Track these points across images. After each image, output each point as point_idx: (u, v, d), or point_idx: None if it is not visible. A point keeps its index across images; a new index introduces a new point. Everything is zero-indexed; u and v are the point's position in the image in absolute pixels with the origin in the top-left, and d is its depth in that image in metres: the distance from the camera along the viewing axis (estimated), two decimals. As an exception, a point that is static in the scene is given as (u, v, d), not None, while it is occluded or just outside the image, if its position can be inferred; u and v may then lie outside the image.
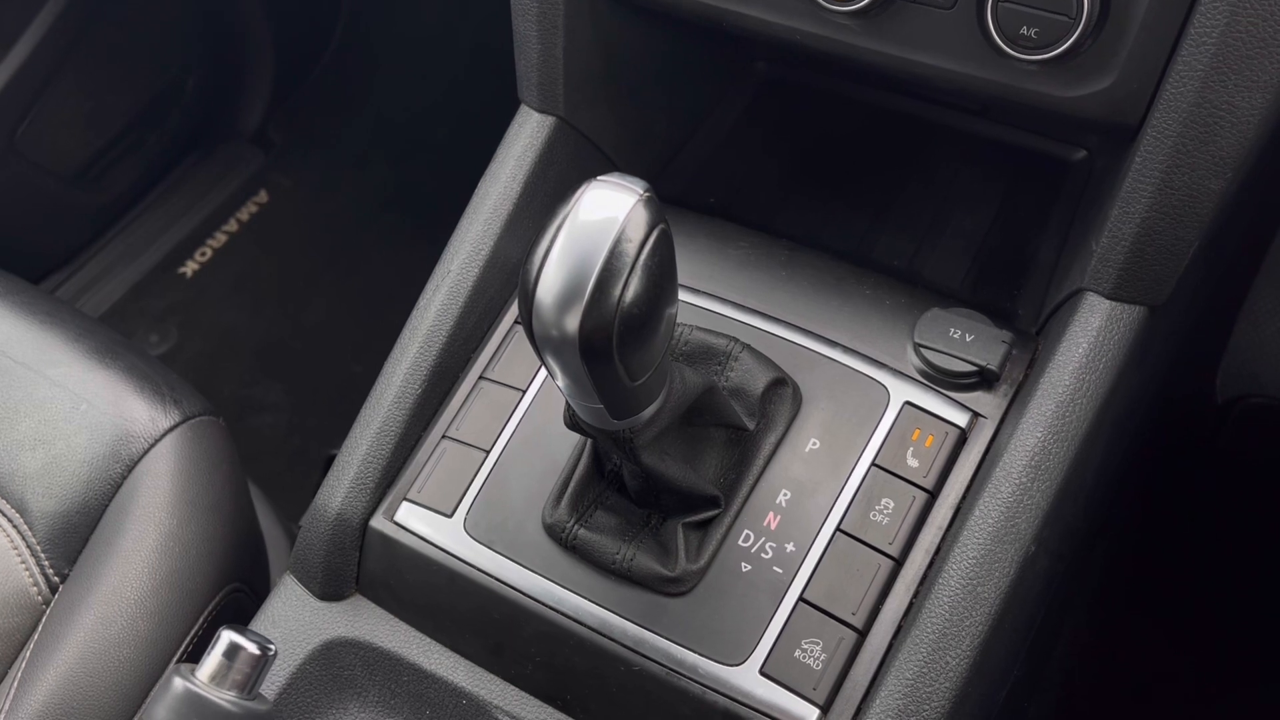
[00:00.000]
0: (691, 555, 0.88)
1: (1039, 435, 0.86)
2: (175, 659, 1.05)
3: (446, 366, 1.02)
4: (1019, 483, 0.85)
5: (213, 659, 0.78)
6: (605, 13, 1.05)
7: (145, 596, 1.04)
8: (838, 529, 0.88)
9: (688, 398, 0.82)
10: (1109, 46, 0.84)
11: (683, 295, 0.99)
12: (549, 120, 1.07)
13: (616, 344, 0.67)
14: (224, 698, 0.77)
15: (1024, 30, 0.85)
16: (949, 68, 0.91)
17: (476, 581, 0.93)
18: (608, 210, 0.66)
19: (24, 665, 1.02)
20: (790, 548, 0.88)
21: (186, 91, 2.26)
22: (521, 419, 0.97)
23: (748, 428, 0.90)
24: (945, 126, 1.24)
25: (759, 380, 0.91)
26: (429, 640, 0.96)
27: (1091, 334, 0.88)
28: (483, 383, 1.00)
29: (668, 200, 1.01)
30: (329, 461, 1.02)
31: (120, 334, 1.29)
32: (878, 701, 0.82)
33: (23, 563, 1.08)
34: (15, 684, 1.01)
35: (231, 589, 1.11)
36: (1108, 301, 0.88)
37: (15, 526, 1.10)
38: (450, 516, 0.95)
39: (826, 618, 0.85)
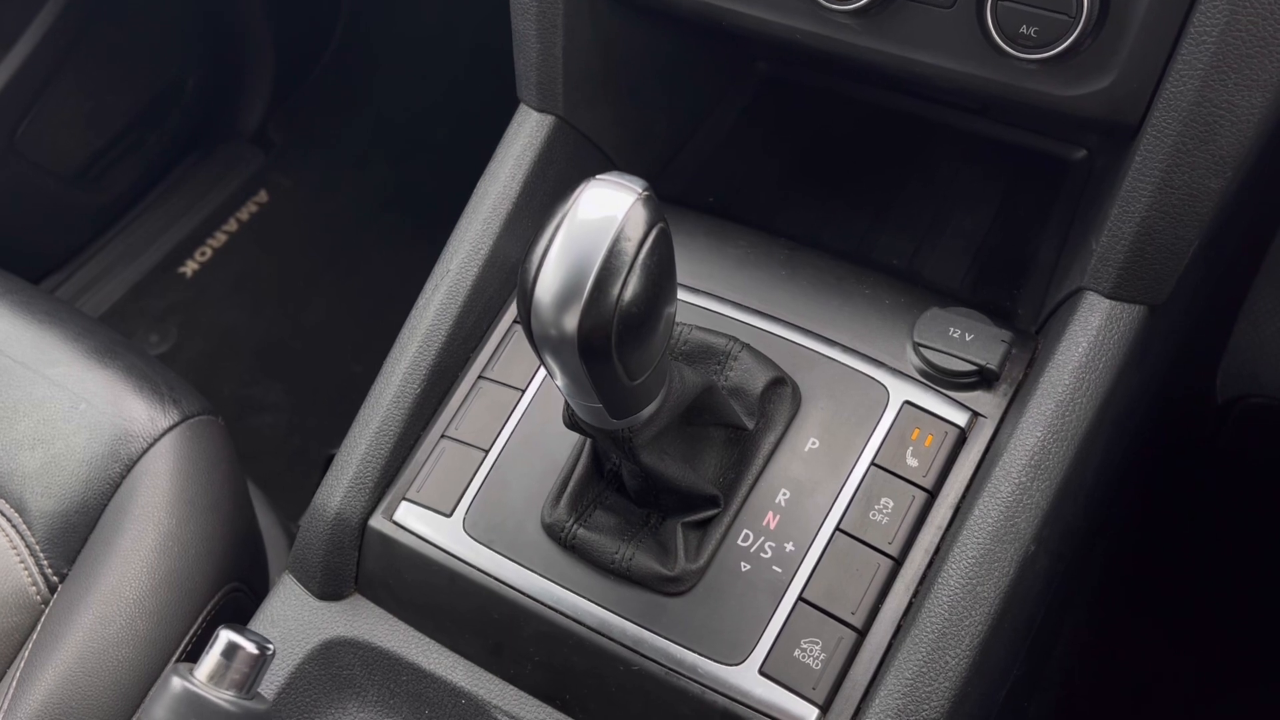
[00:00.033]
0: (691, 555, 0.87)
1: (1039, 435, 0.86)
2: (174, 658, 1.05)
3: (445, 366, 1.02)
4: (1019, 482, 0.85)
5: (211, 658, 0.78)
6: (604, 12, 1.05)
7: (144, 596, 1.04)
8: (837, 528, 0.88)
9: (687, 397, 0.82)
10: (1109, 45, 0.84)
11: (682, 294, 0.99)
12: (548, 119, 1.07)
13: (615, 343, 0.67)
14: (222, 697, 0.76)
15: (1024, 29, 0.85)
16: (949, 67, 0.91)
17: (475, 581, 0.93)
18: (606, 209, 0.66)
19: (22, 665, 1.02)
20: (790, 547, 0.88)
21: (186, 91, 2.26)
22: (521, 418, 0.97)
23: (747, 427, 0.90)
24: (945, 126, 1.24)
25: (758, 380, 0.91)
26: (428, 640, 0.96)
27: (1091, 333, 0.88)
28: (482, 382, 1.00)
29: (667, 200, 1.01)
30: (328, 461, 1.02)
31: (120, 334, 1.29)
32: (877, 701, 0.82)
33: (21, 562, 1.08)
34: (14, 683, 1.01)
35: (230, 588, 1.11)
36: (1108, 301, 0.88)
37: (14, 526, 1.10)
38: (449, 516, 0.95)
39: (826, 617, 0.85)
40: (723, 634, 0.86)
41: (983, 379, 0.92)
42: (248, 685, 0.78)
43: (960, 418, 0.91)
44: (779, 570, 0.87)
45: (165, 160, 2.30)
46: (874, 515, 0.88)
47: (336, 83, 2.50)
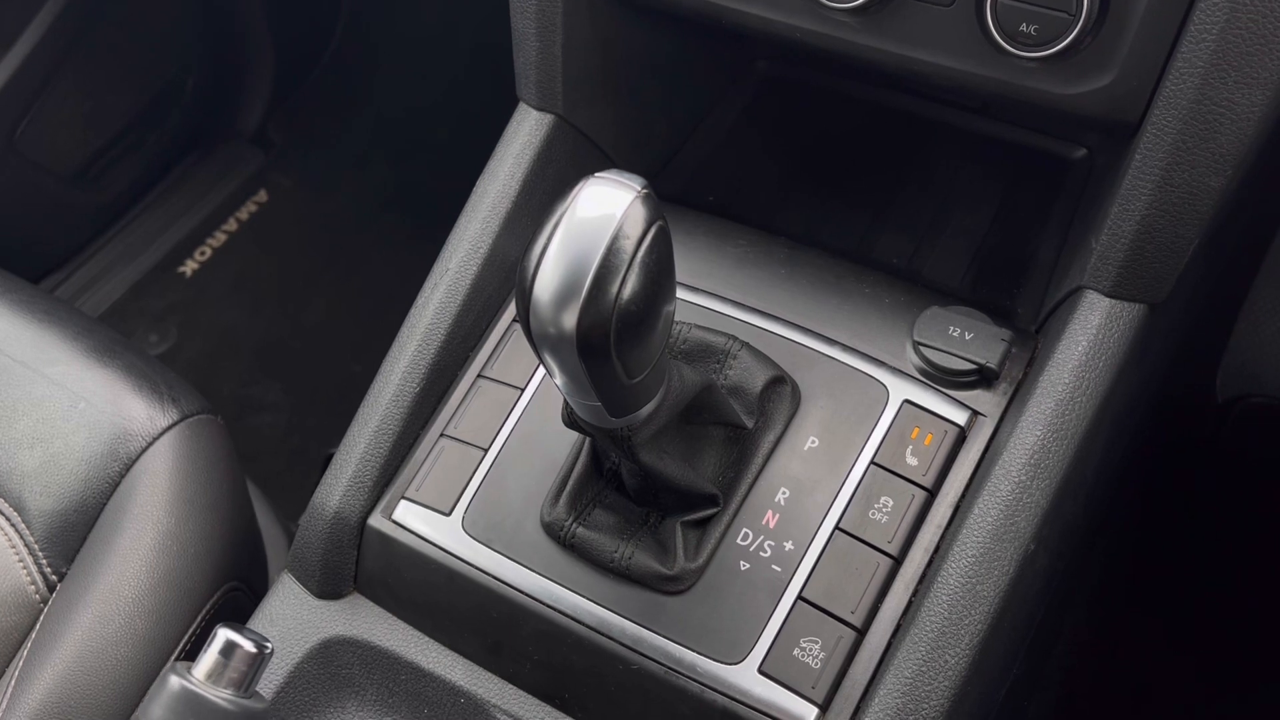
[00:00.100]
0: (690, 554, 0.87)
1: (1038, 433, 0.86)
2: (173, 658, 1.05)
3: (445, 364, 1.01)
4: (1018, 481, 0.85)
5: (209, 657, 0.77)
6: (604, 10, 1.05)
7: (143, 595, 1.04)
8: (836, 527, 0.88)
9: (686, 396, 0.82)
10: (1108, 43, 0.84)
11: (681, 293, 0.99)
12: (547, 118, 1.07)
13: (614, 341, 0.67)
14: (221, 696, 0.76)
15: (1023, 27, 0.85)
16: (948, 65, 0.91)
17: (475, 580, 0.92)
18: (605, 207, 0.66)
19: (21, 664, 1.02)
20: (789, 546, 0.87)
21: (186, 91, 2.26)
22: (520, 417, 0.97)
23: (746, 426, 0.90)
24: (945, 124, 1.24)
25: (758, 378, 0.91)
26: (427, 639, 0.96)
27: (1091, 332, 0.88)
28: (481, 381, 1.00)
29: (667, 198, 1.01)
30: (327, 460, 1.02)
31: (120, 333, 1.29)
32: (877, 700, 0.82)
33: (20, 561, 1.08)
34: (13, 682, 1.00)
35: (229, 588, 1.11)
36: (1107, 299, 0.88)
37: (13, 525, 1.09)
38: (448, 515, 0.95)
39: (825, 616, 0.85)
40: (722, 633, 0.86)
41: (982, 378, 0.92)
42: (246, 684, 0.78)
43: (960, 416, 0.91)
44: (778, 569, 0.87)
45: (165, 160, 2.30)
46: (873, 514, 0.88)
47: (336, 83, 2.50)
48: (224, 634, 0.78)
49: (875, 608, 0.85)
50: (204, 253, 2.28)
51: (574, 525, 0.89)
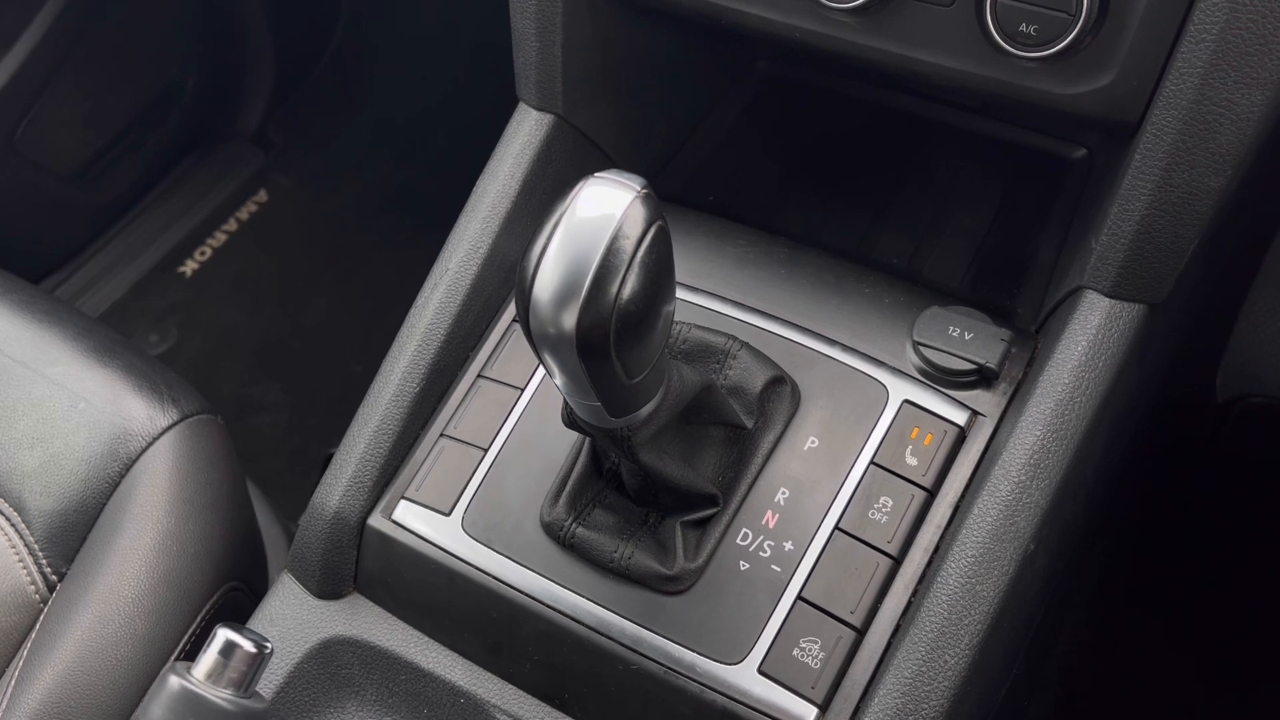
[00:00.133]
0: (690, 554, 0.87)
1: (1038, 433, 0.86)
2: (173, 658, 1.05)
3: (444, 364, 1.01)
4: (1018, 481, 0.85)
5: (209, 657, 0.77)
6: (604, 10, 1.05)
7: (143, 595, 1.04)
8: (836, 527, 0.88)
9: (686, 396, 0.82)
10: (1108, 43, 0.84)
11: (681, 293, 0.99)
12: (547, 118, 1.07)
13: (614, 341, 0.67)
14: (220, 696, 0.76)
15: (1023, 27, 0.85)
16: (948, 65, 0.91)
17: (474, 580, 0.92)
18: (605, 207, 0.66)
19: (21, 664, 1.02)
20: (789, 546, 0.87)
21: (186, 91, 2.26)
22: (520, 417, 0.97)
23: (746, 426, 0.90)
24: (945, 124, 1.24)
25: (757, 378, 0.91)
26: (427, 639, 0.96)
27: (1091, 332, 0.88)
28: (481, 381, 1.00)
29: (667, 198, 1.01)
30: (327, 460, 1.02)
31: (120, 333, 1.29)
32: (876, 700, 0.82)
33: (20, 561, 1.08)
34: (13, 682, 1.01)
35: (229, 588, 1.11)
36: (1107, 299, 0.88)
37: (13, 525, 1.09)
38: (448, 515, 0.95)
39: (825, 616, 0.85)
40: (722, 633, 0.86)
41: (982, 378, 0.92)
42: (246, 684, 0.78)
43: (960, 416, 0.91)
44: (778, 569, 0.87)
45: (165, 160, 2.30)
46: (873, 514, 0.87)
47: (336, 83, 2.50)
48: (224, 634, 0.78)
49: (875, 608, 0.85)
50: (204, 253, 2.28)
51: (574, 525, 0.89)
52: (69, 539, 1.09)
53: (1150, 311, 0.88)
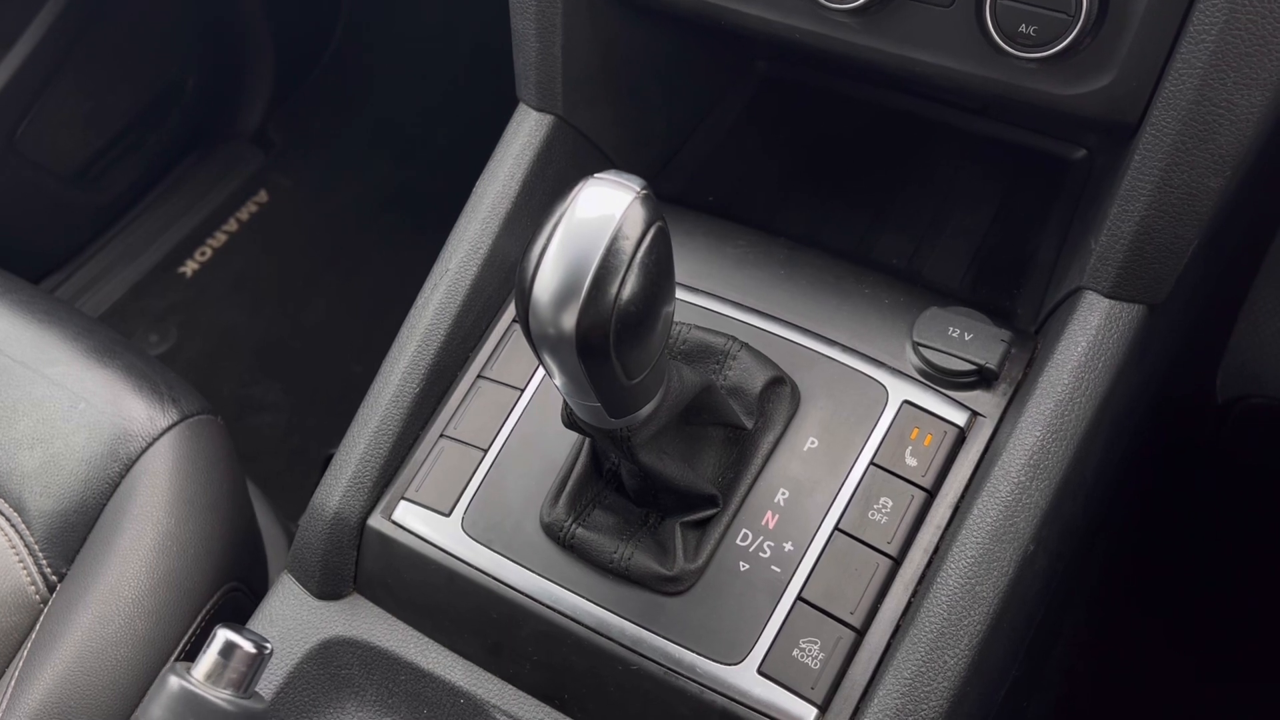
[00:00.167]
0: (689, 554, 0.87)
1: (1038, 434, 0.86)
2: (173, 658, 1.05)
3: (444, 365, 1.01)
4: (1018, 482, 0.85)
5: (208, 657, 0.77)
6: (604, 11, 1.05)
7: (143, 595, 1.04)
8: (836, 528, 0.88)
9: (685, 396, 0.82)
10: (1108, 44, 0.84)
11: (681, 294, 0.99)
12: (547, 119, 1.07)
13: (613, 342, 0.67)
14: (220, 696, 0.76)
15: (1023, 28, 0.85)
16: (948, 65, 0.91)
17: (474, 581, 0.92)
18: (604, 208, 0.66)
19: (21, 664, 1.02)
20: (788, 547, 0.87)
21: (186, 91, 2.26)
22: (520, 418, 0.97)
23: (746, 426, 0.90)
24: (945, 125, 1.24)
25: (757, 379, 0.91)
26: (427, 639, 0.96)
27: (1090, 333, 0.88)
28: (481, 381, 1.00)
29: (667, 199, 1.01)
30: (327, 460, 1.02)
31: (120, 334, 1.29)
32: (876, 701, 0.82)
33: (20, 562, 1.08)
34: (13, 683, 1.01)
35: (229, 588, 1.11)
36: (1107, 300, 0.88)
37: (13, 525, 1.10)
38: (448, 515, 0.95)
39: (825, 617, 0.85)
40: (721, 633, 0.86)
41: (982, 378, 0.92)
42: (245, 684, 0.78)
43: (959, 417, 0.91)
44: (778, 570, 0.87)
45: (165, 160, 2.30)
46: (873, 515, 0.88)
47: (336, 83, 2.50)
48: (223, 634, 0.78)
49: (874, 608, 0.85)
50: (204, 253, 2.28)
51: (573, 526, 0.89)
52: (69, 539, 1.09)
53: (1150, 312, 0.88)
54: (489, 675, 0.94)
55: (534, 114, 1.07)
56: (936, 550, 0.87)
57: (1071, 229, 1.09)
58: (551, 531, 0.90)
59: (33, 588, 1.08)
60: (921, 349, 0.93)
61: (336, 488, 0.98)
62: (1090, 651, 1.58)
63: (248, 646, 0.78)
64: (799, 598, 0.86)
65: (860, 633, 0.84)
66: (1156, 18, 0.81)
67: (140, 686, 1.02)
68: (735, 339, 0.92)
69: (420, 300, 1.04)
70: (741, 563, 0.88)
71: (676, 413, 0.81)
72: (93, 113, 2.09)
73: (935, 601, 0.83)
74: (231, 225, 2.32)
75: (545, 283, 0.66)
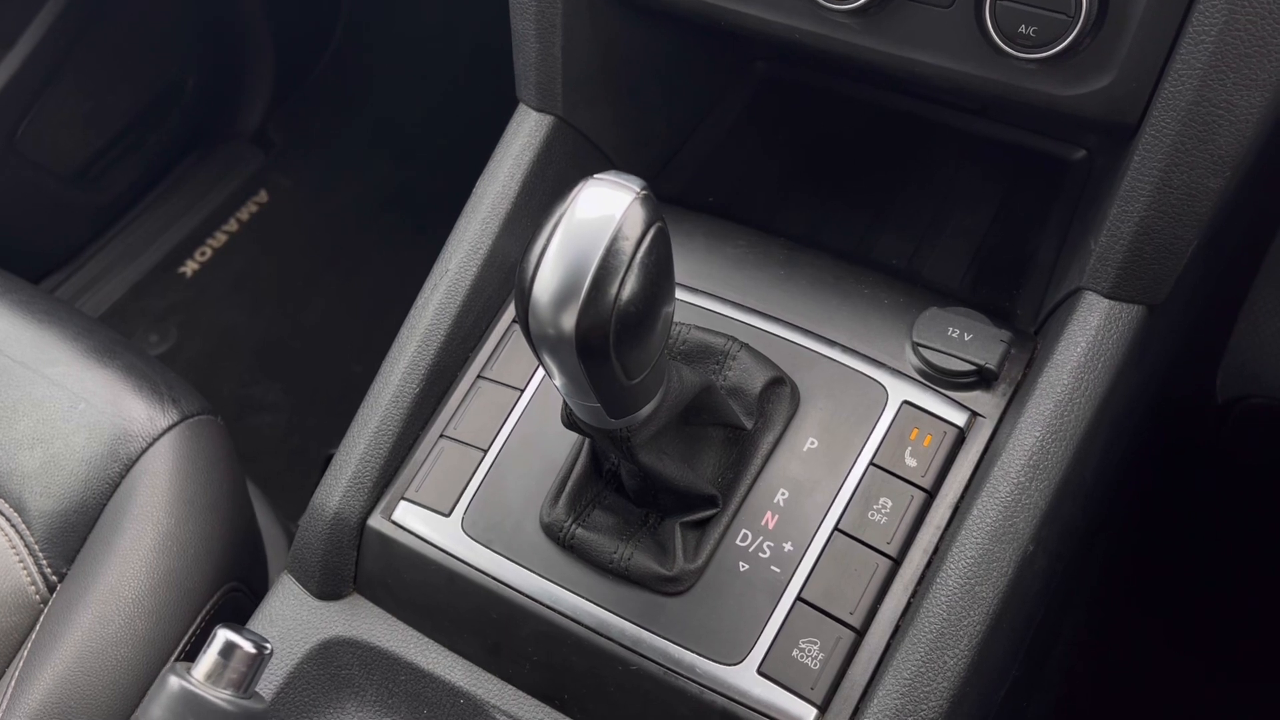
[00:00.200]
0: (689, 554, 0.87)
1: (1037, 434, 0.86)
2: (173, 658, 1.05)
3: (444, 365, 1.02)
4: (1017, 482, 0.85)
5: (208, 657, 0.77)
6: (604, 11, 1.05)
7: (143, 595, 1.04)
8: (836, 528, 0.88)
9: (685, 397, 0.82)
10: (1107, 45, 0.84)
11: (681, 294, 0.99)
12: (547, 119, 1.07)
13: (613, 342, 0.67)
14: (220, 696, 0.76)
15: (1022, 29, 0.85)
16: (948, 66, 0.91)
17: (474, 581, 0.93)
18: (604, 208, 0.66)
19: (21, 664, 1.02)
20: (788, 547, 0.88)
21: (186, 91, 2.26)
22: (519, 418, 0.97)
23: (745, 427, 0.90)
24: (945, 125, 1.24)
25: (757, 379, 0.91)
26: (427, 640, 0.96)
27: (1090, 333, 0.88)
28: (481, 382, 1.00)
29: (666, 199, 1.01)
30: (327, 461, 1.02)
31: (120, 334, 1.29)
32: (875, 701, 0.82)
33: (20, 562, 1.08)
34: (13, 683, 1.01)
35: (229, 588, 1.11)
36: (1106, 300, 0.88)
37: (13, 525, 1.10)
38: (448, 516, 0.95)
39: (824, 617, 0.85)
40: (721, 634, 0.86)
41: (981, 379, 0.92)
42: (245, 684, 0.78)
43: (959, 418, 0.91)
44: (777, 570, 0.87)
45: (165, 160, 2.30)
46: (872, 515, 0.88)
47: (336, 83, 2.50)
48: (223, 634, 0.78)
49: (874, 609, 0.85)
50: (204, 253, 2.28)
51: (573, 526, 0.89)
52: (69, 539, 1.09)
53: (1150, 312, 0.88)
54: (489, 675, 0.94)
55: (534, 114, 1.07)
56: (936, 550, 0.87)
57: (1071, 229, 1.09)
58: (551, 532, 0.90)
59: (33, 588, 1.08)
60: (921, 349, 0.93)
61: (336, 488, 0.99)
62: (1090, 652, 1.58)
63: (248, 647, 0.78)
64: (799, 598, 0.86)
65: (860, 633, 0.85)
66: (1156, 18, 0.82)
67: (140, 686, 1.02)
68: (735, 339, 0.92)
69: (420, 300, 1.04)
70: (741, 563, 0.88)
71: (676, 413, 0.81)
72: (93, 113, 2.09)
73: (935, 602, 0.83)
74: (231, 225, 2.32)
75: (545, 283, 0.66)
